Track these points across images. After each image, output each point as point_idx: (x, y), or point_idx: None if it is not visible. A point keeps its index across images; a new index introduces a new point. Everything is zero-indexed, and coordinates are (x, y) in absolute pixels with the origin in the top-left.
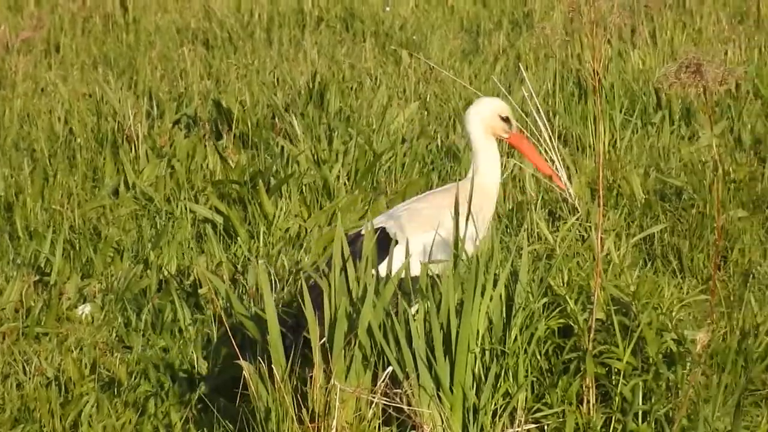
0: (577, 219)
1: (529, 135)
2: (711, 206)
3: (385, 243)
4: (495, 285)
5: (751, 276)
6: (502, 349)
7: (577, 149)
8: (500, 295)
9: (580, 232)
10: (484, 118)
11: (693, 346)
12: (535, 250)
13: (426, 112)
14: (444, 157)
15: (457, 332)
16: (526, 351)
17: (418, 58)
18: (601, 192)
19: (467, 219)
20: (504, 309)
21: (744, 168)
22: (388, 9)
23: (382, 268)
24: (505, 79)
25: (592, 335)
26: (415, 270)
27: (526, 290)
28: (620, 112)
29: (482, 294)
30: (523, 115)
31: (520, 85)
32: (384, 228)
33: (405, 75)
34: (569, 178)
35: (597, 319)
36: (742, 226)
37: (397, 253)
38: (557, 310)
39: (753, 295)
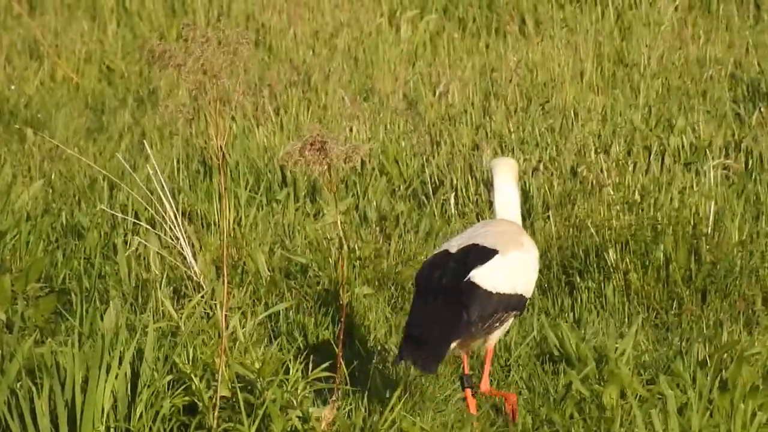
0: (202, 296)
1: (154, 213)
2: (336, 283)
3: (483, 254)
4: (120, 362)
5: (377, 353)
6: (127, 428)
7: (202, 227)
8: (125, 373)
9: (205, 309)
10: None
11: (318, 424)
12: (160, 327)
13: (51, 190)
14: (68, 235)
15: (82, 410)
16: (151, 429)
17: (42, 136)
18: (225, 269)
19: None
20: (129, 387)
21: (369, 245)
22: (13, 87)
23: (480, 273)
24: (131, 157)
25: (216, 413)
26: (514, 285)
27: (152, 368)
28: (245, 189)
29: (107, 371)
30: (149, 193)
31: (145, 162)
32: (477, 244)
33: (30, 153)
34: (194, 255)
35: (222, 397)
36: (368, 303)
37: (498, 262)
38: (182, 387)
39: (378, 372)
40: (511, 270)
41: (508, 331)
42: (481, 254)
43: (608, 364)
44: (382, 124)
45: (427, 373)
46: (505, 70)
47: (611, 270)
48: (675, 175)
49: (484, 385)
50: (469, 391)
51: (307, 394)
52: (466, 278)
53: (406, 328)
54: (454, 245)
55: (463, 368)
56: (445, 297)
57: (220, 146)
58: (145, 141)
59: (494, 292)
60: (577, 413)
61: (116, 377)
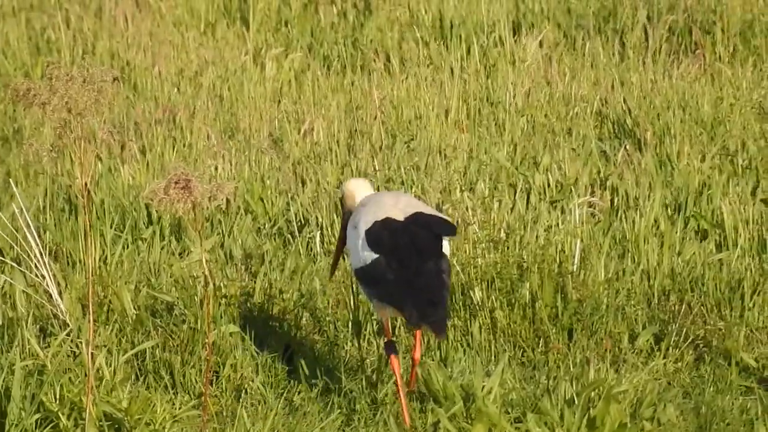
0: (68, 335)
1: (19, 251)
2: (202, 321)
3: (441, 221)
4: None
5: (244, 391)
6: None
7: (68, 265)
8: None
9: (71, 347)
10: None
11: None
12: (26, 366)
13: None
14: None
15: None
16: None
17: None
18: (91, 308)
19: None
20: None
21: (235, 283)
22: None
23: (447, 241)
24: None
25: None
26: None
27: (19, 406)
28: (111, 227)
29: None
30: (14, 231)
31: (11, 200)
32: (422, 212)
33: None
34: (60, 294)
35: None
36: (234, 342)
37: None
38: (50, 426)
39: (245, 411)
40: None
41: None
42: (440, 222)
43: (475, 402)
44: (247, 162)
45: (441, 337)
46: (370, 107)
47: (477, 308)
48: (540, 212)
49: (418, 353)
50: (394, 358)
51: None
52: (441, 247)
53: (404, 294)
54: (393, 213)
55: (387, 334)
56: (434, 262)
57: (85, 184)
58: (10, 179)
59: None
60: None
61: None
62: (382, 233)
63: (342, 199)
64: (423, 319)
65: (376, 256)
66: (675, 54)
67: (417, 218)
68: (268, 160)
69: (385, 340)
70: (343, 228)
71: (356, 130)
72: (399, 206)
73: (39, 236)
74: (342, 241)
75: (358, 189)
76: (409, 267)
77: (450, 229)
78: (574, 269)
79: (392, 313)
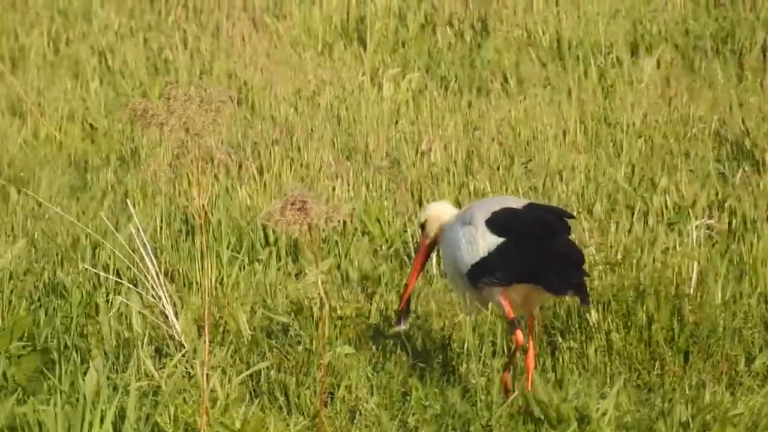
0: (184, 355)
1: (136, 272)
2: (317, 343)
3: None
4: (102, 421)
5: (358, 413)
6: None
7: (184, 285)
8: None
9: (186, 368)
10: None
11: None
12: (141, 386)
13: (34, 249)
14: (50, 294)
15: None
16: None
17: (26, 193)
18: (207, 328)
19: None
20: None
21: (351, 305)
22: None
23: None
24: (113, 216)
25: None
26: None
27: (134, 427)
28: (227, 248)
29: (90, 430)
30: (131, 251)
31: (128, 221)
32: (535, 202)
33: (13, 211)
34: (176, 315)
35: None
36: (349, 363)
37: None
38: None
39: None
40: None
41: None
42: (556, 207)
43: (590, 424)
44: (365, 183)
45: (586, 303)
46: (488, 128)
47: (593, 330)
48: (658, 234)
49: (532, 359)
50: (519, 331)
51: None
52: (568, 226)
53: (542, 263)
54: (509, 204)
55: (509, 316)
56: (565, 236)
57: (203, 205)
58: (128, 200)
59: None
60: None
61: None
62: (506, 219)
63: (424, 224)
64: (566, 282)
65: (503, 239)
66: None
67: (534, 205)
68: (385, 180)
69: (508, 319)
70: (421, 254)
71: (473, 151)
72: (510, 201)
73: (156, 257)
74: (419, 268)
75: (444, 210)
76: (542, 240)
77: (568, 213)
78: (691, 292)
79: (514, 300)
